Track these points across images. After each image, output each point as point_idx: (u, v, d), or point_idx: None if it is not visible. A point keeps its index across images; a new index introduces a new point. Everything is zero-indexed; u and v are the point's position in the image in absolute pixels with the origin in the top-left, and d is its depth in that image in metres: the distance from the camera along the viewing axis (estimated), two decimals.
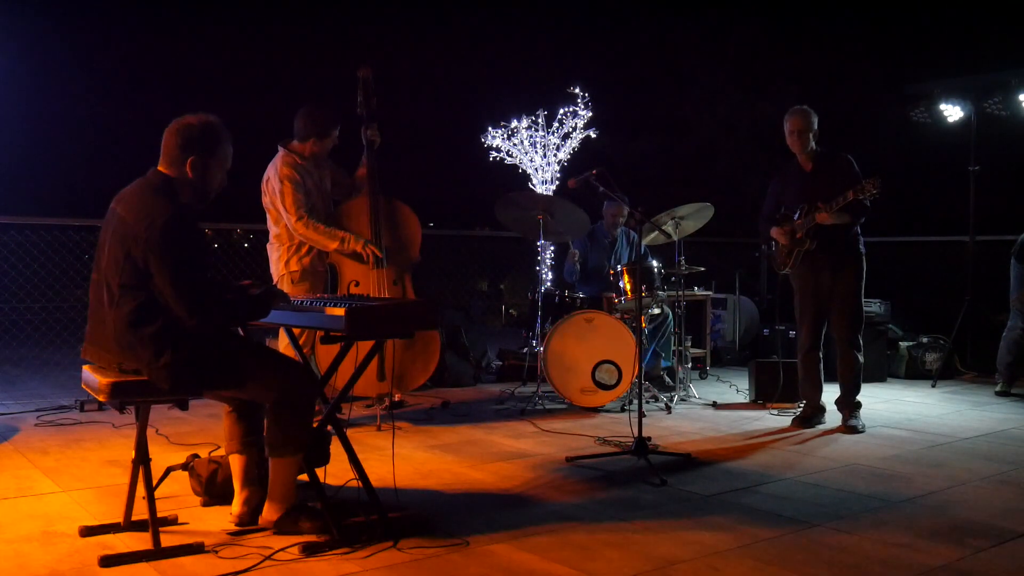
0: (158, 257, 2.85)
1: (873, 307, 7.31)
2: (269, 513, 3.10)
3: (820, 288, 5.14)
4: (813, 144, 5.13)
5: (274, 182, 4.91)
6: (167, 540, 2.92)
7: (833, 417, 5.29)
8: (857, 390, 5.16)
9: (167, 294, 2.87)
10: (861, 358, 5.17)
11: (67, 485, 3.76)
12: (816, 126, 5.12)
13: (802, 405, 5.35)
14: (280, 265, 5.01)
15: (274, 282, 5.01)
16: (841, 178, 5.00)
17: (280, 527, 3.07)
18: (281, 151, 4.96)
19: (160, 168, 3.05)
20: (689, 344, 6.73)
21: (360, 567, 2.81)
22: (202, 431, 4.87)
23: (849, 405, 5.16)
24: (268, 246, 5.12)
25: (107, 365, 3.01)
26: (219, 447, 3.71)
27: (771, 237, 5.30)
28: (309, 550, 2.92)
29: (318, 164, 5.04)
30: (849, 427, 5.06)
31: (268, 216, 5.06)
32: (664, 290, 6.14)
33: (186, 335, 2.91)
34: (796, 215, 5.13)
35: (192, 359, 2.92)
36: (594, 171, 4.70)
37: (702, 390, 6.51)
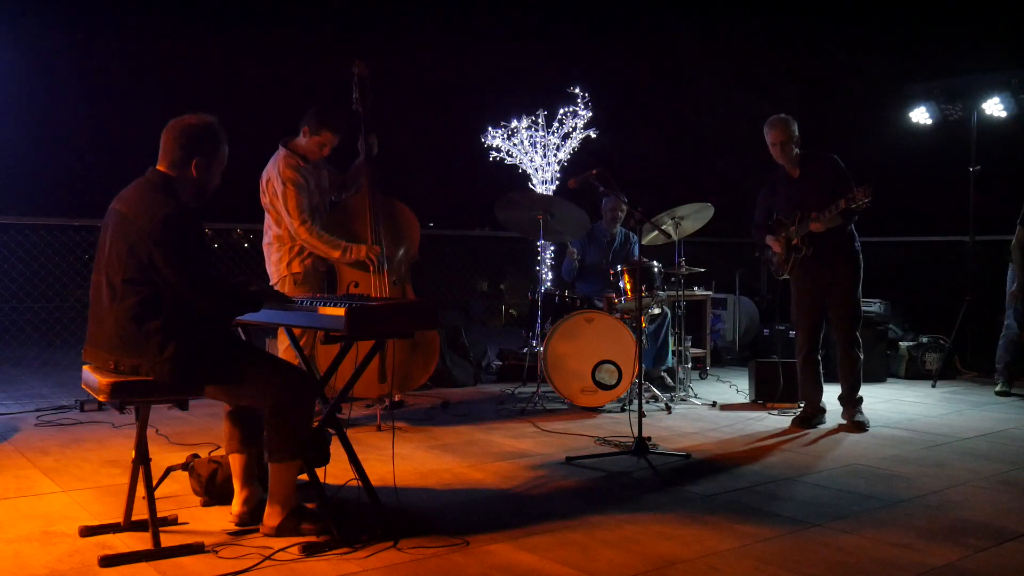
0: (163, 248, 2.87)
1: (873, 307, 7.31)
2: (270, 519, 3.08)
3: (818, 291, 5.16)
4: (796, 150, 5.13)
5: (276, 183, 4.87)
6: (167, 540, 2.92)
7: (833, 417, 5.29)
8: (859, 387, 5.20)
9: (176, 283, 2.89)
10: (861, 355, 5.21)
11: (67, 485, 3.76)
12: (797, 132, 5.12)
13: (802, 405, 5.36)
14: (281, 267, 4.98)
15: (273, 283, 4.98)
16: (829, 181, 5.03)
17: (281, 531, 3.06)
18: (282, 151, 4.92)
19: (159, 168, 3.06)
20: (689, 344, 6.73)
21: (360, 567, 2.81)
22: (202, 431, 4.87)
23: (852, 401, 5.20)
24: (266, 246, 5.08)
25: (103, 365, 3.01)
26: (219, 447, 3.71)
27: (766, 245, 5.32)
28: (309, 550, 2.92)
29: (317, 164, 5.02)
30: (856, 423, 5.10)
31: (268, 216, 5.02)
32: (664, 290, 6.14)
33: (190, 329, 2.93)
34: (792, 223, 5.13)
35: (196, 352, 2.93)
36: (594, 171, 4.70)
37: (702, 390, 6.51)
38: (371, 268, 4.99)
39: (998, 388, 6.44)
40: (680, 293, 6.11)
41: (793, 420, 5.26)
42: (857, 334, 5.17)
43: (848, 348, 5.16)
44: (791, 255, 5.16)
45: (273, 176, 4.89)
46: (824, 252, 5.07)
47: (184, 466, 3.63)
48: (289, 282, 4.94)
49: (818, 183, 5.05)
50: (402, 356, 5.03)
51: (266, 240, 5.06)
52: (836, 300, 5.13)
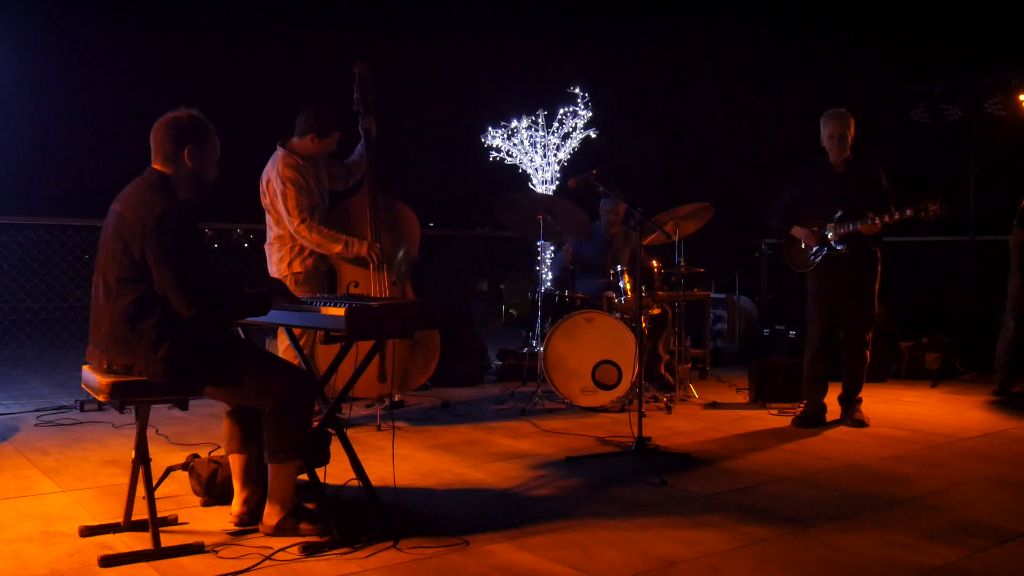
0: (155, 248, 2.85)
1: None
2: (269, 518, 3.08)
3: (839, 289, 5.17)
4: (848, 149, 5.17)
5: (276, 183, 4.88)
6: (167, 540, 2.92)
7: (833, 417, 5.29)
8: (861, 387, 5.27)
9: (164, 285, 2.86)
10: (869, 356, 5.28)
11: (67, 485, 3.76)
12: (853, 129, 5.15)
13: (802, 405, 5.37)
14: (282, 267, 4.99)
15: None
16: (872, 186, 5.09)
17: (280, 531, 3.06)
18: (281, 151, 4.93)
19: (156, 166, 3.06)
20: (689, 344, 6.73)
21: (360, 567, 2.81)
22: (202, 431, 4.87)
23: (852, 401, 5.25)
24: (267, 246, 5.09)
25: (97, 366, 3.01)
26: (219, 447, 3.71)
27: (789, 236, 5.31)
28: (309, 550, 2.92)
29: (316, 163, 5.03)
30: (856, 421, 5.14)
31: (268, 217, 5.04)
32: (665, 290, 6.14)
33: (185, 329, 2.91)
34: (829, 219, 5.11)
35: (191, 353, 2.91)
36: (594, 171, 4.70)
37: (702, 390, 6.51)
38: (371, 265, 5.00)
39: (996, 388, 6.43)
40: (680, 293, 6.11)
41: (793, 420, 5.26)
42: (868, 336, 5.22)
43: (859, 348, 5.22)
44: (823, 250, 5.16)
45: (273, 176, 4.90)
46: (854, 253, 5.09)
47: (184, 466, 3.63)
48: (290, 282, 4.94)
49: (860, 184, 5.10)
50: (402, 356, 5.03)
51: (267, 240, 5.08)
52: (857, 301, 5.16)
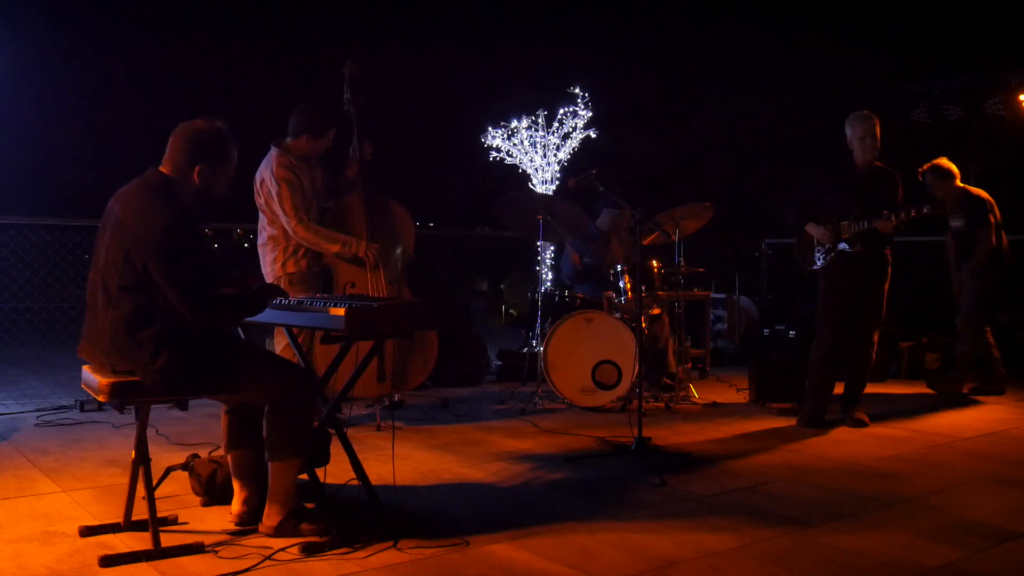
0: (159, 260, 2.84)
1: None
2: (269, 518, 3.08)
3: (852, 289, 5.18)
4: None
5: (270, 184, 4.86)
6: (167, 540, 2.92)
7: (834, 416, 5.29)
8: (864, 387, 5.29)
9: (169, 295, 2.86)
10: (874, 356, 5.31)
11: (67, 485, 3.76)
12: (879, 130, 5.17)
13: (803, 405, 5.36)
14: (276, 267, 4.96)
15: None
16: (891, 191, 5.13)
17: (280, 531, 3.06)
18: (274, 151, 4.91)
19: (161, 169, 3.03)
20: (689, 344, 6.73)
21: (360, 567, 2.81)
22: (202, 431, 4.87)
23: (855, 401, 5.25)
24: (260, 247, 5.06)
25: (101, 366, 3.01)
26: (219, 447, 3.71)
27: (803, 231, 5.31)
28: (309, 550, 2.92)
29: (310, 163, 5.02)
30: (856, 420, 5.15)
31: (262, 217, 5.01)
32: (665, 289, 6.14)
33: (183, 338, 2.90)
34: (846, 218, 5.11)
35: (189, 362, 2.91)
36: (594, 170, 4.71)
37: (702, 390, 6.50)
38: (368, 265, 4.99)
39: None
40: (680, 293, 6.11)
41: (799, 419, 5.24)
42: (875, 336, 5.24)
43: (867, 348, 5.24)
44: (836, 248, 5.16)
45: (267, 177, 4.88)
46: (868, 254, 5.11)
47: (184, 466, 3.63)
48: (284, 282, 4.92)
49: (880, 188, 5.13)
50: (400, 356, 5.03)
51: (260, 240, 5.05)
52: (869, 300, 5.18)
